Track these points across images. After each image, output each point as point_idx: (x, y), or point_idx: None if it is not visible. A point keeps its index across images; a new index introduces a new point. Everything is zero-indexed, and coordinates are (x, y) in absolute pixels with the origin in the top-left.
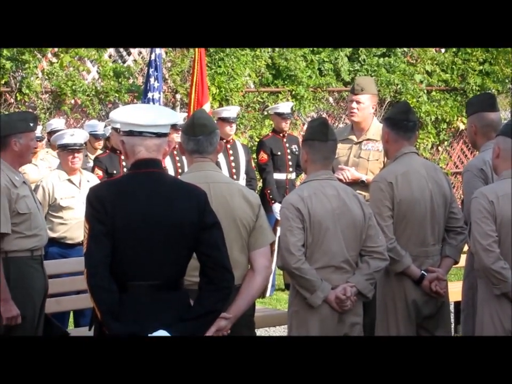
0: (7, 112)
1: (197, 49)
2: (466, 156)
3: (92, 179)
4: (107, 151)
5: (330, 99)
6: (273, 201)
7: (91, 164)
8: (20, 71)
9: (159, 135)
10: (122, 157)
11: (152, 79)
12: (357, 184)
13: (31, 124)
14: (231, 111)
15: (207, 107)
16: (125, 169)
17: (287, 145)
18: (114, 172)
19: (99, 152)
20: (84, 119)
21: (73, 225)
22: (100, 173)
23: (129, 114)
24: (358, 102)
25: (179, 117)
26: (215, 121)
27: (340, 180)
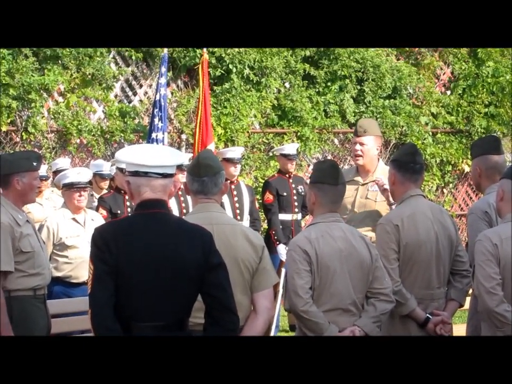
0: (12, 151)
1: (201, 89)
2: (471, 198)
3: (97, 218)
4: (111, 190)
5: (336, 140)
6: (278, 242)
7: (96, 203)
8: (26, 110)
9: (164, 175)
10: (127, 197)
11: (156, 119)
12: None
13: (35, 163)
14: (235, 151)
15: (211, 147)
16: (129, 209)
17: (293, 185)
18: (119, 211)
19: (104, 191)
20: (89, 159)
21: (78, 264)
22: (104, 212)
23: (135, 154)
24: (361, 144)
25: (185, 158)
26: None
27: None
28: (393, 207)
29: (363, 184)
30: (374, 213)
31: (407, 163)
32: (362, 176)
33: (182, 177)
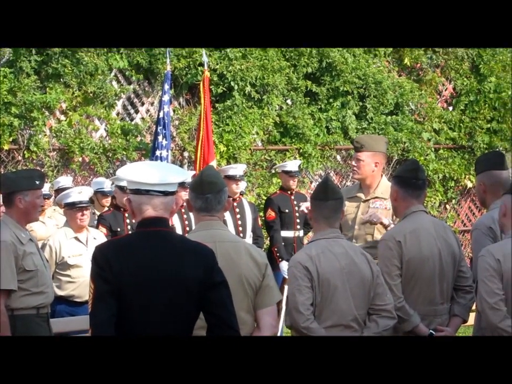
0: (15, 170)
1: (202, 106)
2: (474, 214)
3: (99, 236)
4: (111, 208)
5: (338, 157)
6: (280, 259)
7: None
8: (28, 128)
9: (166, 193)
10: (127, 215)
11: (160, 137)
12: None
13: (37, 182)
14: (237, 169)
15: (213, 165)
16: (129, 227)
17: (295, 202)
18: (118, 229)
19: (105, 209)
20: (91, 177)
21: (81, 283)
22: (104, 230)
23: (136, 172)
24: (358, 160)
25: (186, 175)
26: None
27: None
28: (389, 228)
29: (365, 201)
30: None
31: (409, 179)
32: (365, 192)
33: (185, 195)
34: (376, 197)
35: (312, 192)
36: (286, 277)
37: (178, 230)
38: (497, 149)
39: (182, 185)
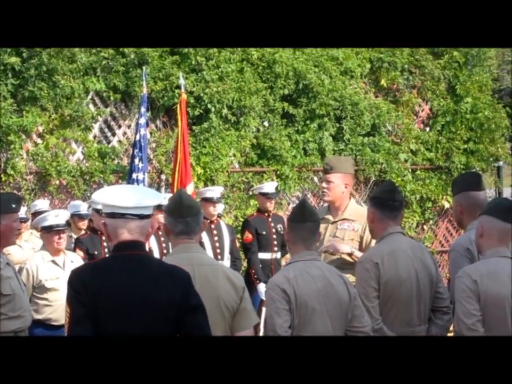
0: None
1: (179, 129)
2: (451, 234)
3: (76, 260)
4: (88, 231)
5: (315, 179)
6: (258, 281)
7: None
8: (5, 152)
9: (141, 217)
10: (104, 238)
11: (136, 160)
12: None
13: (14, 205)
14: (214, 191)
15: (190, 187)
16: (106, 250)
17: (272, 224)
18: (96, 252)
19: (82, 232)
20: (68, 200)
21: (58, 307)
22: (81, 253)
23: (111, 196)
24: (328, 181)
25: (162, 198)
26: (199, 202)
27: (331, 253)
28: (354, 256)
29: (333, 223)
30: None
31: (386, 200)
32: (333, 214)
33: (162, 217)
34: (344, 219)
35: (289, 214)
36: (264, 299)
37: (156, 253)
38: (474, 170)
39: (159, 208)
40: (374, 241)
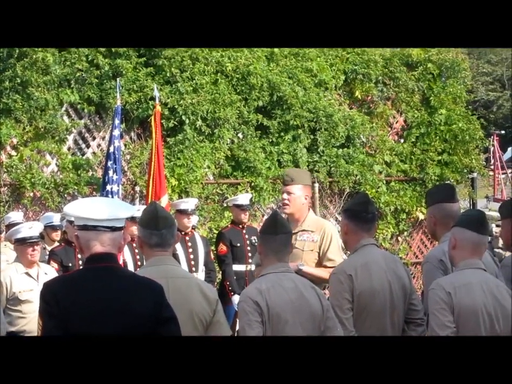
0: None
1: (154, 141)
2: (426, 245)
3: (50, 271)
4: (62, 244)
5: None
6: (232, 293)
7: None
8: None
9: (113, 229)
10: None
11: (110, 172)
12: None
13: None
14: (188, 203)
15: (165, 199)
16: (80, 262)
17: (247, 236)
18: (70, 264)
19: (56, 244)
20: (43, 212)
21: (32, 319)
22: (56, 265)
23: (83, 208)
24: (288, 193)
25: (134, 210)
26: (173, 214)
27: None
28: (303, 273)
29: (292, 234)
30: None
31: (359, 212)
32: (292, 226)
33: (136, 229)
34: (304, 230)
35: (261, 226)
36: None
37: (130, 265)
38: (448, 181)
39: (133, 220)
40: (331, 252)
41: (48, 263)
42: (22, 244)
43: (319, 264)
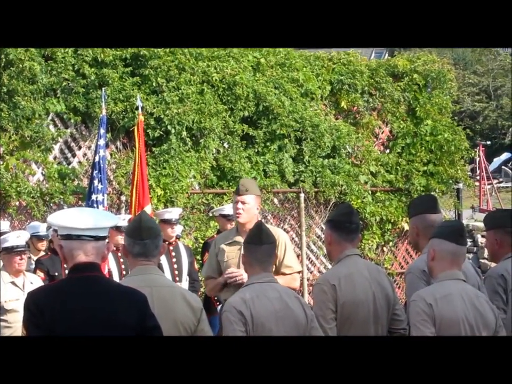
0: None
1: (137, 150)
2: (411, 256)
3: (36, 281)
4: (49, 253)
5: (276, 200)
6: (218, 303)
7: (34, 265)
8: None
9: (97, 238)
10: None
11: (96, 181)
12: None
13: None
14: (172, 212)
15: (148, 209)
16: (66, 271)
17: None
18: (56, 273)
19: (42, 253)
20: (28, 221)
21: (18, 328)
22: (42, 274)
23: (67, 218)
24: (243, 203)
25: (118, 219)
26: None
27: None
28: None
29: None
30: None
31: (343, 223)
32: (243, 235)
33: (121, 239)
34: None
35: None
36: None
37: (115, 275)
38: (434, 192)
39: (118, 229)
40: (287, 258)
41: (35, 272)
42: (9, 252)
43: (276, 272)
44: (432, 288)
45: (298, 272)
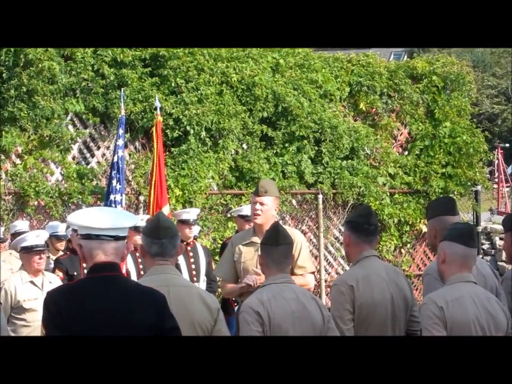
0: None
1: (155, 151)
2: (429, 258)
3: (54, 280)
4: (68, 252)
5: (294, 201)
6: (236, 304)
7: (52, 265)
8: None
9: (117, 238)
10: None
11: (114, 181)
12: None
13: None
14: (190, 213)
15: (166, 209)
16: (85, 271)
17: None
18: (75, 273)
19: (61, 253)
20: (47, 221)
21: (36, 327)
22: (61, 274)
23: (87, 217)
24: (261, 204)
25: (137, 219)
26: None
27: (249, 285)
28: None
29: None
30: None
31: (361, 224)
32: (260, 236)
33: (139, 239)
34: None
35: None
36: None
37: (133, 274)
38: (452, 194)
39: (137, 229)
40: (302, 259)
41: (54, 271)
42: (28, 252)
43: (291, 273)
44: (443, 291)
45: (312, 273)
